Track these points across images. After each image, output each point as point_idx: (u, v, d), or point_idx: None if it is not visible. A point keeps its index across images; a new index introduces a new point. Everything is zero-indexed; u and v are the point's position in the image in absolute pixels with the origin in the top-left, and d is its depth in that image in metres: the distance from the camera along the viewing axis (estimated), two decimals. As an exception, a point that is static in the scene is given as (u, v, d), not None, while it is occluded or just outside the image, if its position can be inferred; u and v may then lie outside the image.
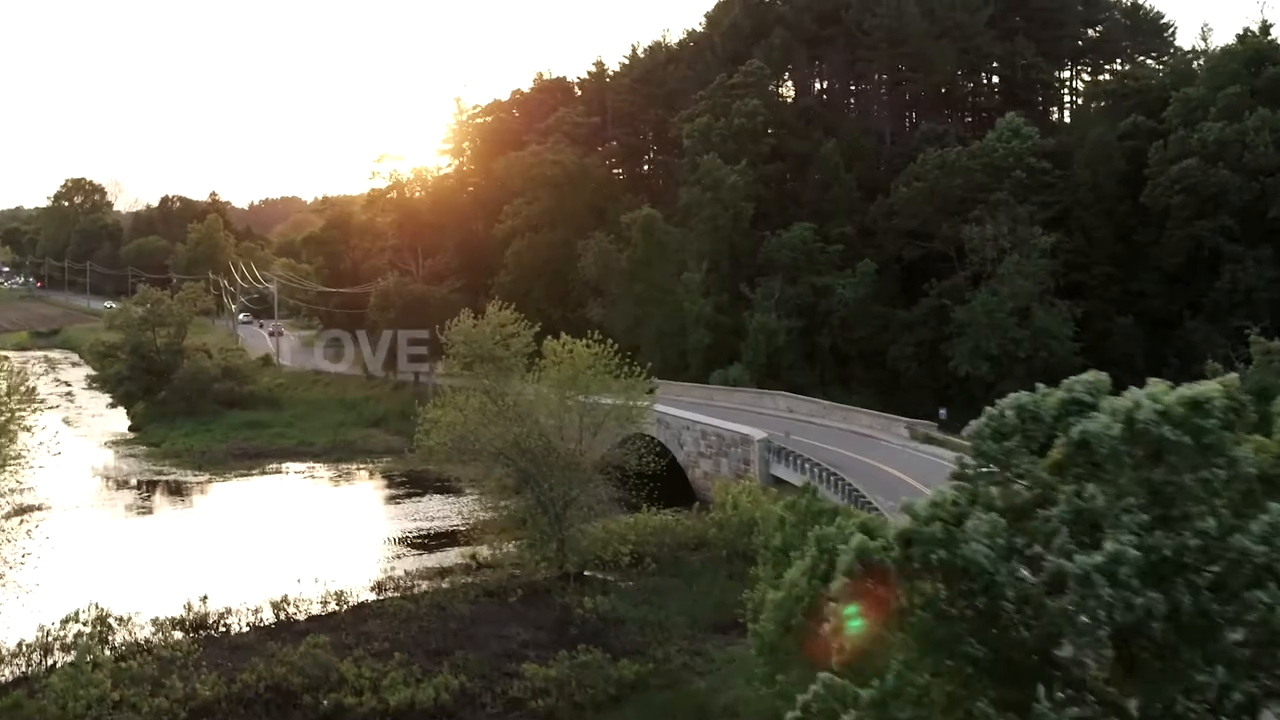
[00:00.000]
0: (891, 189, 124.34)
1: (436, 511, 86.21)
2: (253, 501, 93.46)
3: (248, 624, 58.00)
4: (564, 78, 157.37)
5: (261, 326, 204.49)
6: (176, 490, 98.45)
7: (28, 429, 55.66)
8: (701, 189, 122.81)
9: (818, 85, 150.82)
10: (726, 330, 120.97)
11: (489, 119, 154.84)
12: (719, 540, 66.34)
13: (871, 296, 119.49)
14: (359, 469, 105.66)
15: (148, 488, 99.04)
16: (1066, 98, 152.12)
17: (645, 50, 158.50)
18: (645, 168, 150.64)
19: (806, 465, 72.95)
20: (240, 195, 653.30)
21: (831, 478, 69.27)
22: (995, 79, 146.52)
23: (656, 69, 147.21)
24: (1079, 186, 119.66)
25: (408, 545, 76.80)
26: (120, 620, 55.26)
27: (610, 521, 68.21)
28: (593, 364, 66.44)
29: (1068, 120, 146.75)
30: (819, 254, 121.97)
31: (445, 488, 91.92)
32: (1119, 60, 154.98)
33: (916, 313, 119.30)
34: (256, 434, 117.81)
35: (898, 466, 73.11)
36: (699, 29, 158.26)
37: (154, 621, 55.79)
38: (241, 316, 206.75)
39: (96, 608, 55.40)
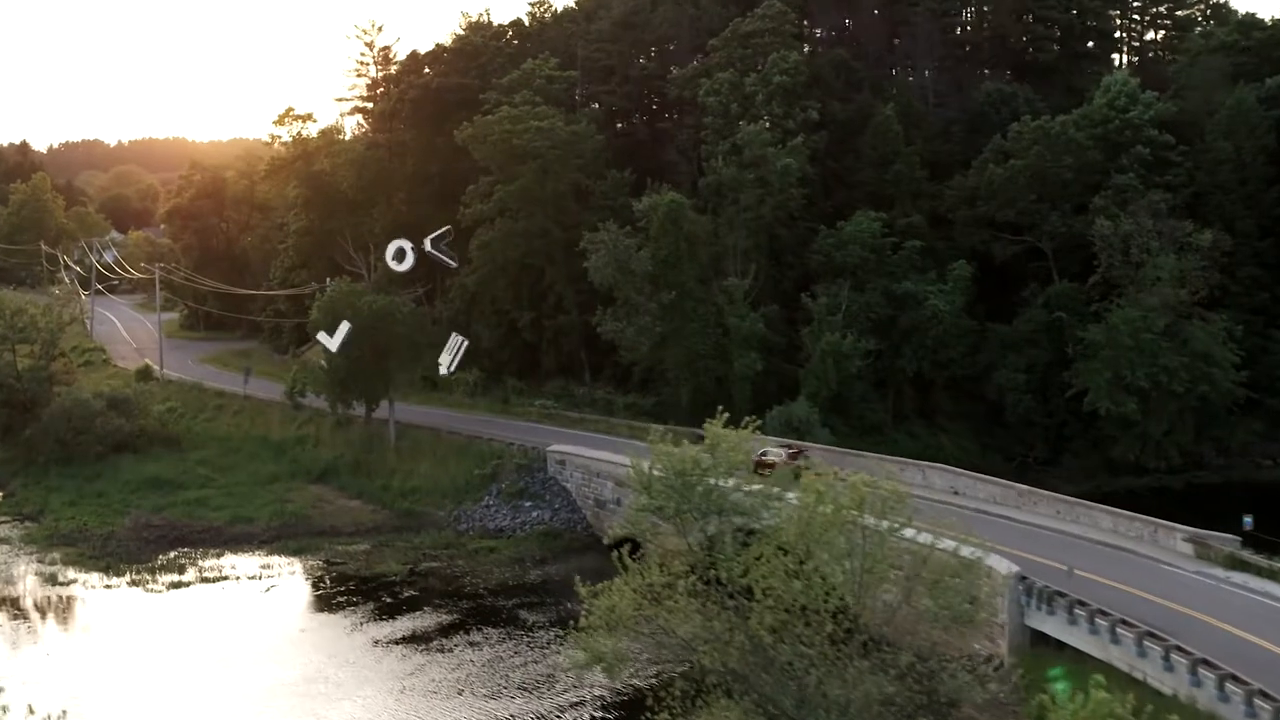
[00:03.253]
0: (973, 166, 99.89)
1: (519, 668, 57.55)
2: (210, 645, 63.62)
3: None
4: (520, 21, 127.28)
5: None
6: (86, 621, 68.46)
7: None
8: (739, 167, 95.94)
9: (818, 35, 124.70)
10: (775, 351, 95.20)
11: (424, 73, 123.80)
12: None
13: (962, 308, 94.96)
14: (332, 567, 75.98)
15: (41, 612, 69.38)
16: (1122, 51, 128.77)
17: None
18: (632, 136, 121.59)
19: (1121, 633, 47.26)
20: (38, 138, 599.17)
21: (1205, 672, 43.72)
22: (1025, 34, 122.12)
23: (641, 10, 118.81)
24: (1217, 166, 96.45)
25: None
26: None
27: None
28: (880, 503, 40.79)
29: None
30: (891, 252, 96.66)
31: (485, 610, 64.75)
32: (1121, 10, 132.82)
33: (1021, 328, 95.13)
34: (167, 500, 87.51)
35: (1269, 636, 47.36)
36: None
37: None
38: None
39: None
